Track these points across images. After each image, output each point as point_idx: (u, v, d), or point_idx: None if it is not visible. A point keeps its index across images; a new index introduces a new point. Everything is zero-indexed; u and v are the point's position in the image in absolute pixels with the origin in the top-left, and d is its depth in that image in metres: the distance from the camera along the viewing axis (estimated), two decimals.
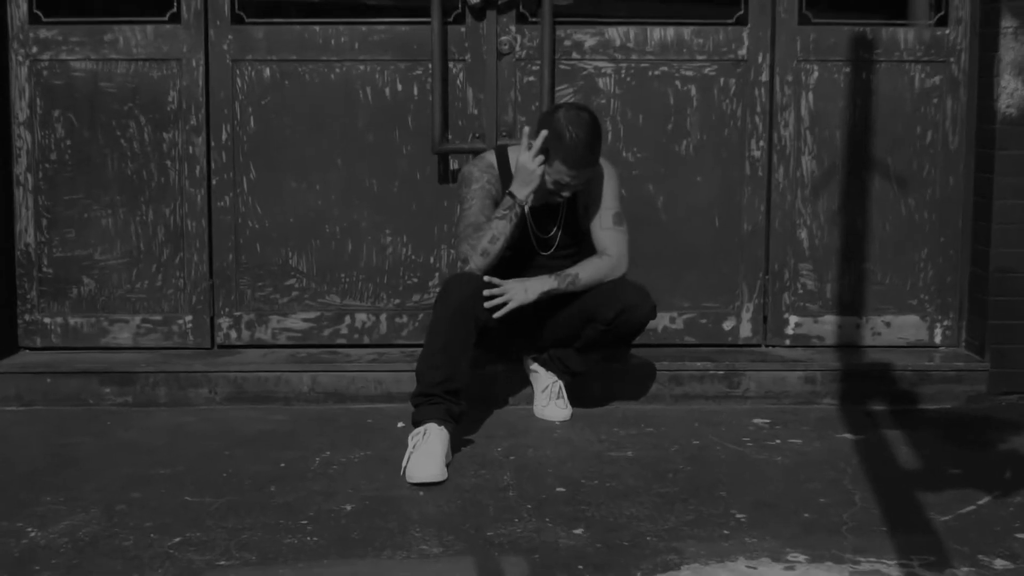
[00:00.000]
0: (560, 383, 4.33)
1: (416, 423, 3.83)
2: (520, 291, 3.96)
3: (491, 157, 4.08)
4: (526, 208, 3.94)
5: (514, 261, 4.08)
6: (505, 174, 4.05)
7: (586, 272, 4.03)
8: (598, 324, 4.07)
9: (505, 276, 4.05)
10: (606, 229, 4.07)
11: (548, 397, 4.32)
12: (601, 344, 4.15)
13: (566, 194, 3.94)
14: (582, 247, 4.19)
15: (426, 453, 3.67)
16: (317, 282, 4.63)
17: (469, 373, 3.91)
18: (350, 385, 4.45)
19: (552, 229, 4.13)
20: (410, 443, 3.76)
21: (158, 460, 3.90)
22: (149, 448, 4.03)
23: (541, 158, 3.87)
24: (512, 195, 3.93)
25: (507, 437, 4.14)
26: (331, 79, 4.55)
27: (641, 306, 4.03)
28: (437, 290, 4.54)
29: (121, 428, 4.26)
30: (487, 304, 3.87)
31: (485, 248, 3.93)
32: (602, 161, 4.09)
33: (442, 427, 3.77)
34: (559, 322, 4.18)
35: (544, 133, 3.89)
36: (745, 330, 4.70)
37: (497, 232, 3.93)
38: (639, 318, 4.04)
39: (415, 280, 4.65)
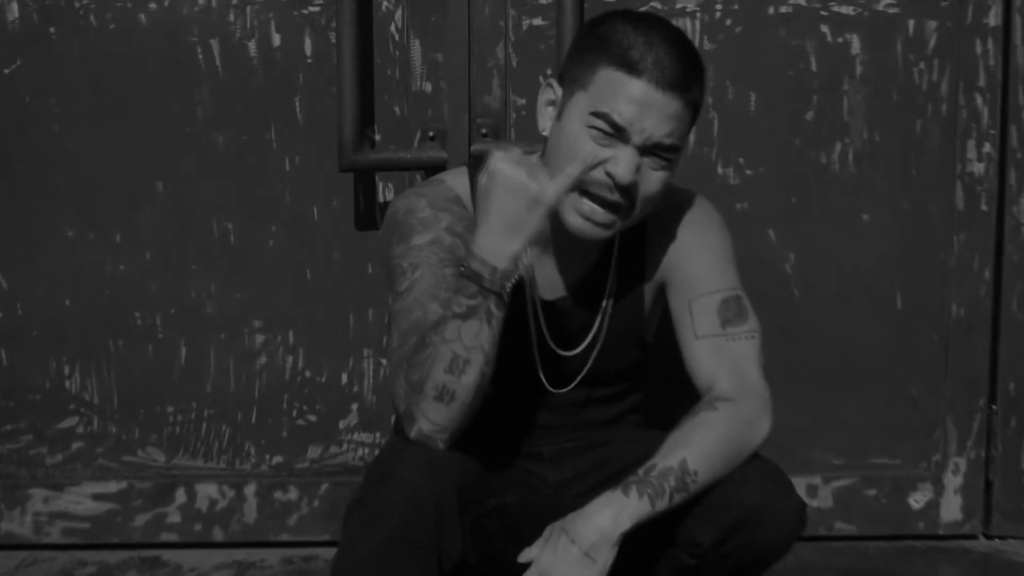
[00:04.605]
0: None
1: None
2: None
3: (457, 181, 2.05)
4: (509, 284, 1.84)
5: (501, 404, 1.99)
6: None
7: (701, 457, 1.90)
8: (682, 554, 1.94)
9: (483, 435, 1.94)
10: (707, 337, 2.00)
11: None
12: None
13: (609, 217, 1.92)
14: (641, 376, 2.15)
15: None
16: (121, 423, 2.62)
17: None
18: None
19: (585, 337, 2.06)
20: None
21: None
22: None
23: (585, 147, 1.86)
24: (477, 262, 1.83)
25: None
26: (141, 25, 2.53)
27: (775, 518, 1.91)
28: (351, 440, 2.63)
29: None
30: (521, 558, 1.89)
31: (442, 385, 1.83)
32: (688, 195, 2.11)
33: None
34: None
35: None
36: (951, 509, 2.71)
37: (463, 349, 1.82)
38: (770, 542, 1.92)
39: (312, 418, 2.64)
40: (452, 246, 1.94)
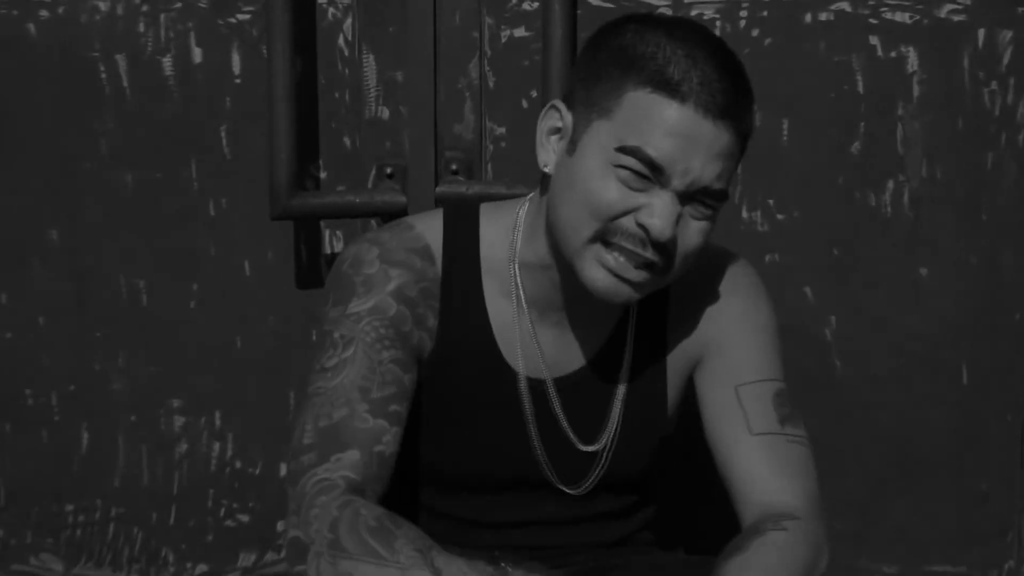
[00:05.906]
0: None
1: None
2: None
3: (430, 227, 1.76)
4: None
5: (473, 515, 1.79)
6: (456, 287, 1.76)
7: None
8: None
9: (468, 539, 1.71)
10: (765, 435, 1.74)
11: None
12: None
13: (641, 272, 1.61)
14: (656, 488, 1.87)
15: None
16: (10, 525, 2.42)
17: None
18: None
19: (601, 429, 1.77)
20: None
21: None
22: None
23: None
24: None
25: None
26: (29, 37, 2.31)
27: None
28: (289, 539, 2.33)
29: None
30: None
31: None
32: (723, 254, 1.84)
33: None
34: None
35: None
36: None
37: None
38: None
39: (243, 517, 2.41)
40: (396, 318, 1.62)
